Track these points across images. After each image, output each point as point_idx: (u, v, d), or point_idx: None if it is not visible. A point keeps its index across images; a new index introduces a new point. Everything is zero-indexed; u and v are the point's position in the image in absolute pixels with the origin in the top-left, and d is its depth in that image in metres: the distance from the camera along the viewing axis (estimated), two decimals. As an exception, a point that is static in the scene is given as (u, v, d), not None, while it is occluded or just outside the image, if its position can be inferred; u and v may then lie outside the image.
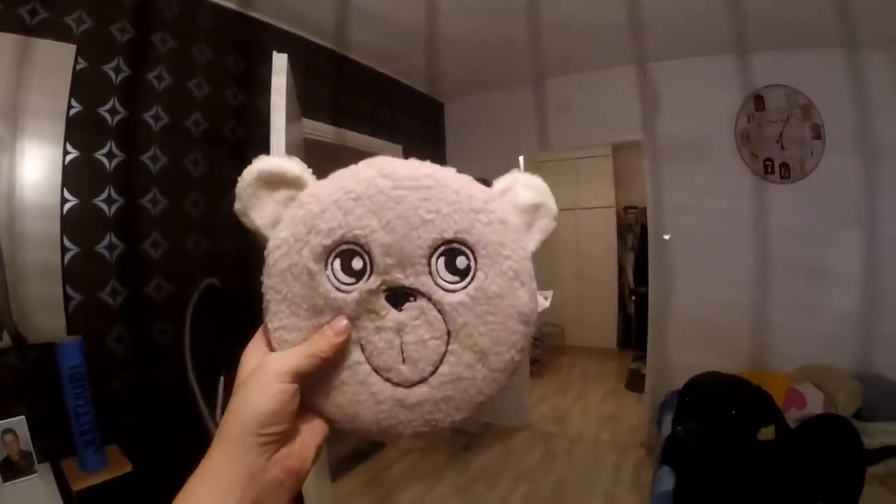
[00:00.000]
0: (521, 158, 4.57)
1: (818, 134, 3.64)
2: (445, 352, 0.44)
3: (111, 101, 2.25)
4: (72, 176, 2.10)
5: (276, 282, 0.45)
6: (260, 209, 0.46)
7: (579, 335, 7.44)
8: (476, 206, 0.45)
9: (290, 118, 2.10)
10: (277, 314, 0.45)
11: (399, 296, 0.44)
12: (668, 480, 2.51)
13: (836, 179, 3.60)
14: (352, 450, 4.07)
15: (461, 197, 0.45)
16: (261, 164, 0.46)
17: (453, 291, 0.44)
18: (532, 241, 0.49)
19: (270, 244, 0.45)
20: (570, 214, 7.33)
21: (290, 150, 1.97)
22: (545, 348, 6.92)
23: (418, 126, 4.39)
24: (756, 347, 3.72)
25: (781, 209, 3.73)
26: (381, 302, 0.44)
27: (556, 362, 6.90)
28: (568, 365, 6.83)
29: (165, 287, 2.44)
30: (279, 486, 0.42)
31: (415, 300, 0.44)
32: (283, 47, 2.08)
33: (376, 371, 0.44)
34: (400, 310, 0.44)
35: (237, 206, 0.46)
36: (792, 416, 2.92)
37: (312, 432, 0.46)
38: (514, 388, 4.61)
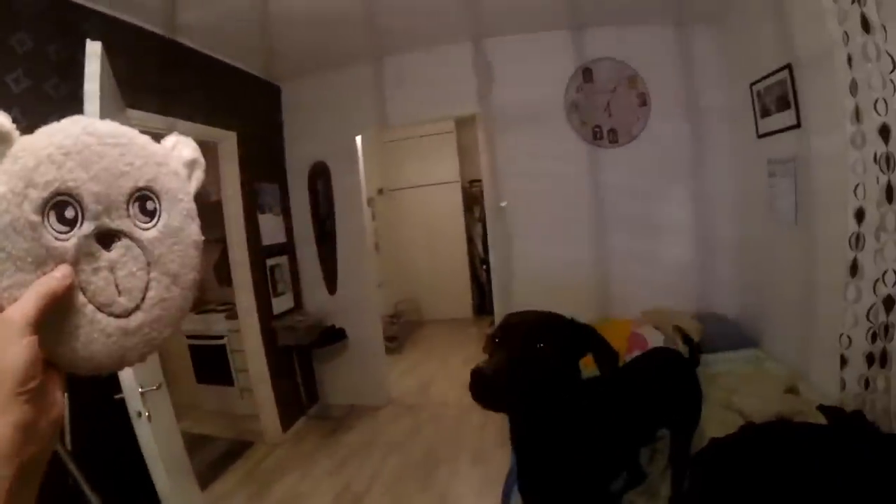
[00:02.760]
0: (358, 138, 4.57)
1: (644, 101, 4.01)
2: (149, 279, 0.52)
3: None
4: None
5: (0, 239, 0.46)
6: None
7: (435, 308, 7.64)
8: (159, 159, 0.54)
9: (110, 109, 1.96)
10: (4, 273, 0.46)
11: (107, 238, 0.50)
12: None
13: (661, 141, 4.01)
14: (220, 452, 3.92)
15: (148, 152, 0.53)
16: None
17: (147, 229, 0.52)
18: (192, 187, 0.58)
19: None
20: (418, 191, 7.46)
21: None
22: (402, 324, 7.03)
23: (254, 111, 4.20)
24: (600, 299, 4.07)
25: (613, 170, 4.07)
26: (95, 245, 0.49)
27: (415, 336, 7.04)
28: (427, 337, 6.99)
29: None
30: (48, 439, 0.45)
31: (120, 240, 0.51)
32: (109, 33, 1.90)
33: (100, 309, 0.50)
34: (109, 250, 0.50)
35: None
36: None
37: (53, 381, 0.47)
38: (372, 367, 4.67)
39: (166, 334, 0.55)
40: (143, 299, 0.52)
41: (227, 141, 3.83)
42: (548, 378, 1.32)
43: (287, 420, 4.23)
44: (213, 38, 3.53)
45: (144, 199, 0.52)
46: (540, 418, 1.41)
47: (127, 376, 2.12)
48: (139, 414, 2.15)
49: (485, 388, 1.23)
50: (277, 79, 4.46)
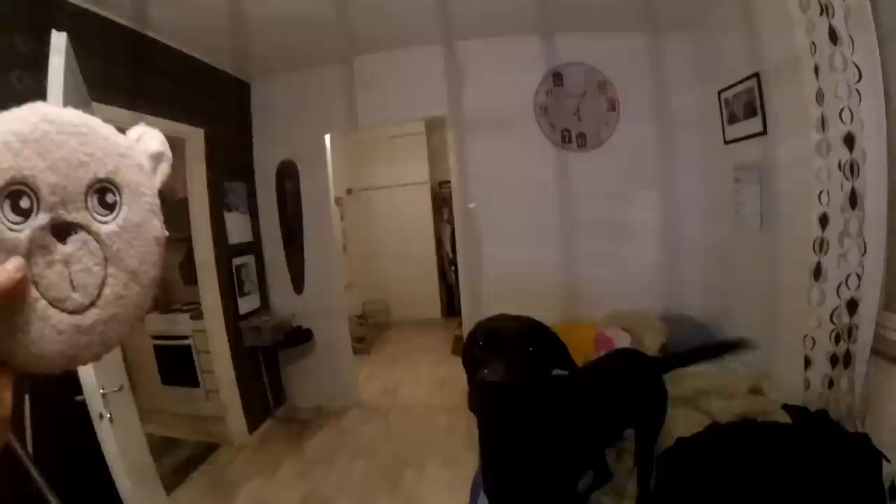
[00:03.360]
0: (327, 137, 4.54)
1: (613, 107, 4.06)
2: (106, 275, 0.50)
3: None
4: None
5: None
6: None
7: (404, 309, 7.61)
8: (121, 151, 0.52)
9: (75, 102, 1.89)
10: None
11: (63, 230, 0.48)
12: None
13: (630, 146, 4.07)
14: (185, 456, 3.84)
15: (110, 143, 0.51)
16: None
17: (106, 223, 0.50)
18: (157, 181, 0.56)
19: None
20: (387, 192, 7.44)
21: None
22: (371, 325, 7.01)
23: (223, 108, 4.12)
24: (567, 301, 4.11)
25: (581, 174, 4.12)
26: (49, 237, 0.47)
27: (383, 337, 7.01)
28: (395, 339, 6.97)
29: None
30: None
31: (76, 233, 0.49)
32: (77, 25, 1.85)
33: (53, 304, 0.48)
34: (65, 243, 0.48)
35: None
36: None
37: (1, 379, 0.47)
38: (340, 369, 4.64)
39: (123, 333, 0.52)
40: (98, 296, 0.50)
41: (195, 138, 3.75)
42: (540, 384, 1.35)
43: (253, 422, 4.17)
44: (183, 34, 3.46)
45: (104, 192, 0.50)
46: (509, 420, 1.42)
47: (88, 378, 2.08)
48: (101, 416, 2.10)
49: (496, 399, 1.25)
50: (247, 76, 4.39)
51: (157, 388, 4.29)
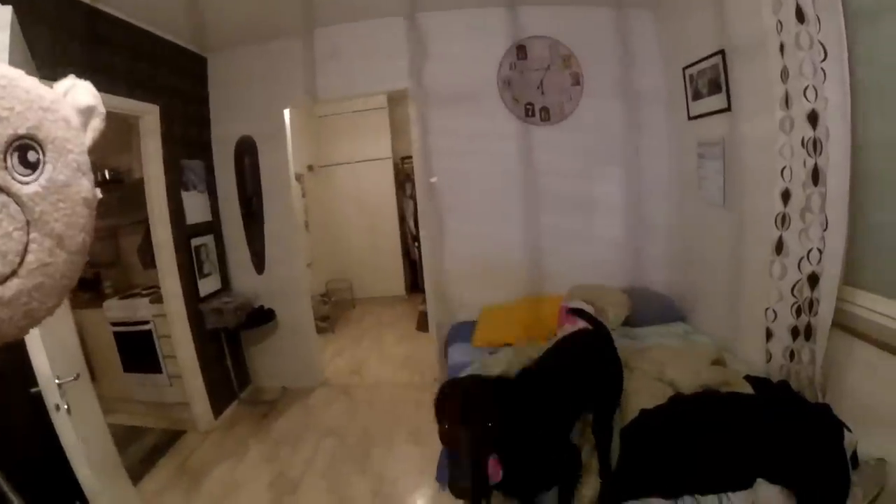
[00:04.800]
0: (286, 112, 4.41)
1: (577, 81, 4.05)
2: (28, 241, 0.46)
3: None
4: None
5: None
6: None
7: (368, 286, 7.56)
8: (45, 105, 0.48)
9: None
10: None
11: None
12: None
13: (593, 121, 4.07)
14: (151, 444, 3.76)
15: (32, 96, 0.47)
16: None
17: (27, 183, 0.46)
18: (88, 137, 0.53)
19: None
20: (349, 168, 7.33)
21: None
22: (334, 304, 6.94)
23: (179, 83, 3.94)
24: (532, 275, 4.13)
25: (545, 148, 4.12)
26: None
27: (348, 316, 6.96)
28: (359, 316, 6.93)
29: None
30: None
31: None
32: None
33: None
34: None
35: None
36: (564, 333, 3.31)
37: None
38: (304, 349, 4.60)
39: (50, 305, 0.49)
40: (20, 264, 0.46)
41: (150, 115, 3.59)
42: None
43: (218, 406, 4.11)
44: (136, 6, 3.28)
45: (25, 149, 0.46)
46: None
47: (42, 367, 1.99)
48: (57, 407, 2.03)
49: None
50: (204, 49, 4.21)
51: (120, 376, 4.16)
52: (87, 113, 0.53)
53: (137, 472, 3.33)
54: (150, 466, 3.49)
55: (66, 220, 0.47)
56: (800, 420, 2.02)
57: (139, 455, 3.60)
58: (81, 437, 2.12)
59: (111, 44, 3.23)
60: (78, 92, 0.54)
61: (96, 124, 0.54)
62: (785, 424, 1.99)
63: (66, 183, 0.48)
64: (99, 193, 0.54)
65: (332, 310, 6.72)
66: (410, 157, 6.61)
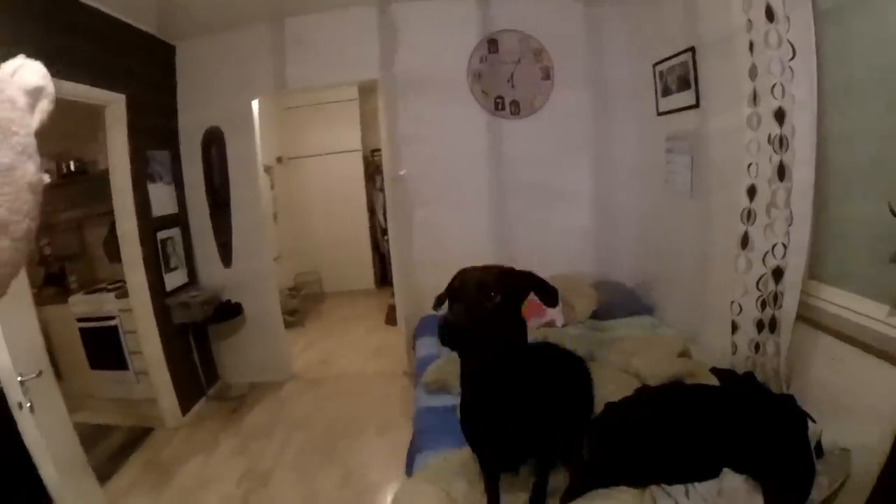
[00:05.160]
0: (255, 103, 4.34)
1: (548, 75, 4.07)
2: None
3: None
4: None
5: None
6: None
7: (338, 279, 7.52)
8: None
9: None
10: None
11: None
12: (424, 398, 2.74)
13: (563, 115, 4.10)
14: (119, 442, 3.69)
15: None
16: None
17: None
18: (35, 120, 0.51)
19: None
20: (319, 160, 7.25)
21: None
22: (304, 297, 6.88)
23: (146, 72, 3.83)
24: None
25: (514, 142, 4.14)
26: None
27: (317, 309, 6.92)
28: (329, 310, 6.89)
29: None
30: None
31: None
32: None
33: None
34: None
35: None
36: (532, 325, 3.33)
37: None
38: (272, 343, 4.57)
39: None
40: None
41: (116, 104, 3.49)
42: (500, 319, 1.57)
43: (186, 402, 4.04)
44: None
45: None
46: (490, 358, 1.60)
47: (4, 364, 1.94)
48: (20, 405, 1.98)
49: (451, 336, 1.44)
50: (172, 37, 4.10)
51: (86, 373, 4.06)
52: (35, 94, 0.50)
53: (106, 470, 3.27)
54: (119, 464, 3.42)
55: (10, 206, 0.45)
56: (765, 411, 2.06)
57: (107, 453, 3.54)
58: (45, 435, 2.07)
59: (75, 29, 3.11)
60: (25, 72, 0.50)
61: (44, 106, 0.52)
62: (750, 415, 2.03)
63: (11, 166, 0.45)
64: (46, 178, 0.51)
65: (302, 303, 6.66)
66: (380, 150, 6.60)
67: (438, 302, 1.77)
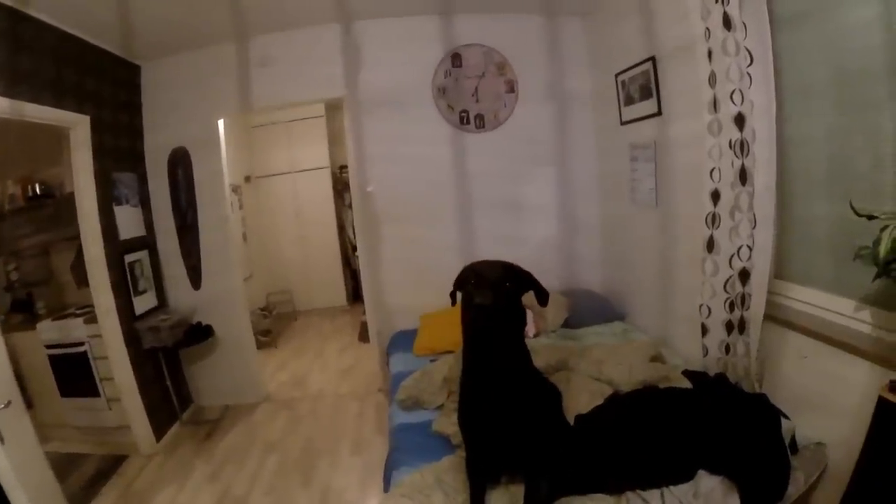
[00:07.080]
0: (221, 122, 4.30)
1: (512, 88, 4.15)
2: None
3: None
4: None
5: None
6: None
7: (310, 297, 7.47)
8: None
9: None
10: None
11: None
12: (399, 415, 2.74)
13: (527, 127, 4.18)
14: (92, 471, 3.59)
15: None
16: None
17: None
18: None
19: None
20: (287, 178, 7.23)
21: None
22: (276, 317, 6.82)
23: (110, 93, 3.77)
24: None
25: (479, 155, 4.20)
26: None
27: (290, 328, 6.85)
28: (301, 329, 6.82)
29: None
30: None
31: None
32: None
33: None
34: None
35: None
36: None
37: None
38: (244, 364, 4.52)
39: None
40: None
41: (80, 126, 3.43)
42: (513, 304, 1.84)
43: (160, 428, 3.96)
44: (66, 11, 3.13)
45: None
46: (490, 328, 1.80)
47: (-29, 396, 1.90)
48: (-11, 437, 1.93)
49: (485, 315, 1.72)
50: (137, 57, 4.05)
51: (57, 401, 3.93)
52: None
53: (80, 499, 3.19)
54: (94, 494, 3.33)
55: None
56: (738, 411, 2.11)
57: (81, 483, 3.44)
58: (17, 466, 2.02)
59: (38, 50, 3.06)
60: None
61: None
62: (723, 416, 2.08)
63: None
64: None
65: (274, 323, 6.59)
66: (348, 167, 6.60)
67: (453, 297, 2.14)
